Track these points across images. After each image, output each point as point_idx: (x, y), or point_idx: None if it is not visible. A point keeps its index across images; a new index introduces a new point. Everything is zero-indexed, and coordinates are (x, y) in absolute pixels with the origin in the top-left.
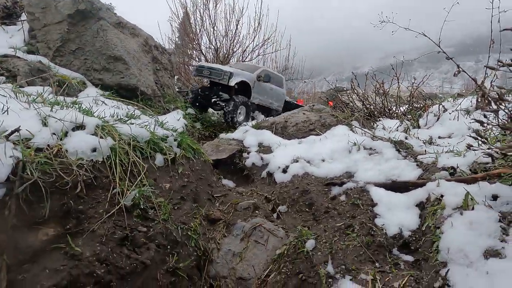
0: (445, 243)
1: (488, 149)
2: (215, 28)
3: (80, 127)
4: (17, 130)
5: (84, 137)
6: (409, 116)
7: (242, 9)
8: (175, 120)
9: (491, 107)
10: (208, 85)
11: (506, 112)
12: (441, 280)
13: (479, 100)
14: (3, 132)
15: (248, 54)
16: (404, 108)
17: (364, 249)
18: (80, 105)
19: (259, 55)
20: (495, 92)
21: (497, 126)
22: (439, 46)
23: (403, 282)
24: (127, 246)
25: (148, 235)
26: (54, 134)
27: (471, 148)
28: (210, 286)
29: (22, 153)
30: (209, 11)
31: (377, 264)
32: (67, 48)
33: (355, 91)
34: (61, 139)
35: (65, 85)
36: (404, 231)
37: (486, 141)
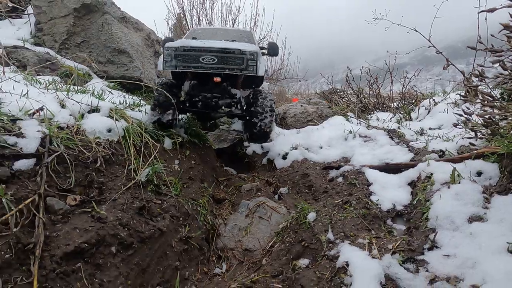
0: (434, 212)
1: (472, 127)
2: (212, 27)
3: (95, 110)
4: (41, 109)
5: (100, 119)
6: (401, 111)
7: (239, 9)
8: None
9: (477, 97)
10: (202, 79)
11: (487, 86)
12: (430, 242)
13: (467, 92)
14: (28, 111)
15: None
16: (396, 103)
17: (361, 220)
18: (93, 91)
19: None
20: (477, 71)
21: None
22: (429, 41)
23: (397, 245)
24: (144, 215)
25: (163, 207)
26: (71, 115)
27: (456, 126)
28: (218, 256)
29: (48, 129)
30: (205, 10)
31: (373, 232)
32: (72, 41)
33: (350, 85)
34: (78, 120)
35: (73, 76)
36: (397, 206)
37: (470, 118)
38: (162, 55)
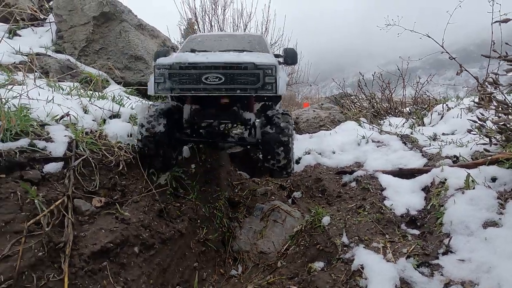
0: (448, 217)
1: (487, 133)
2: (224, 32)
3: (116, 115)
4: (67, 114)
5: (121, 124)
6: (414, 116)
7: (250, 14)
8: None
9: (492, 105)
10: (206, 103)
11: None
12: (445, 247)
13: (481, 98)
14: (55, 116)
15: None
16: (408, 108)
17: (375, 224)
18: (113, 97)
19: None
20: (491, 78)
21: (495, 112)
22: (442, 47)
23: (411, 249)
24: (164, 217)
25: (181, 210)
26: (94, 120)
27: (470, 132)
28: (234, 258)
29: (74, 133)
30: (217, 16)
31: (387, 236)
32: (91, 48)
33: (363, 91)
34: (100, 125)
35: (92, 82)
36: (411, 211)
37: (484, 124)
38: (152, 75)
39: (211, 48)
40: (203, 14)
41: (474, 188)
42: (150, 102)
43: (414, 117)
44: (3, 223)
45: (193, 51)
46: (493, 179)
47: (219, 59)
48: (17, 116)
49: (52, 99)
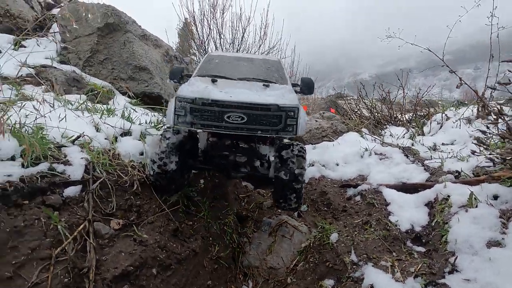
0: (452, 235)
1: (489, 154)
2: (222, 36)
3: (127, 133)
4: (81, 135)
5: (133, 142)
6: (413, 124)
7: (249, 18)
8: None
9: (491, 117)
10: (225, 137)
11: (505, 122)
12: (450, 266)
13: (479, 110)
14: (70, 137)
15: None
16: (408, 116)
17: (382, 241)
18: (123, 113)
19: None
20: (494, 103)
21: (497, 135)
22: (442, 60)
23: (418, 268)
24: (179, 237)
25: (194, 228)
26: (106, 139)
27: (474, 153)
28: (244, 274)
29: (90, 155)
30: (216, 20)
31: (394, 254)
32: (96, 58)
33: (364, 100)
34: (112, 143)
35: (99, 94)
36: (415, 227)
37: (487, 147)
38: (171, 104)
39: (230, 73)
40: (202, 17)
41: (477, 206)
42: (161, 134)
43: (414, 125)
44: (30, 250)
45: (214, 81)
46: (495, 197)
47: (242, 98)
48: (37, 140)
49: (65, 117)
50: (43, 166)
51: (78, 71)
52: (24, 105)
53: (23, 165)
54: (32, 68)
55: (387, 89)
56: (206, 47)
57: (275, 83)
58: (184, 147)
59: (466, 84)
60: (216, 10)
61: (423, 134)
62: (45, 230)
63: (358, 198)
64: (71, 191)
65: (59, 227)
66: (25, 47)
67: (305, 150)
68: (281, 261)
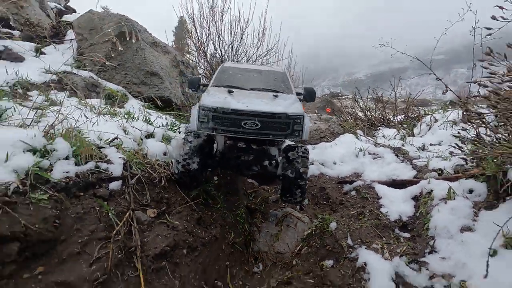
0: (433, 223)
1: (464, 155)
2: (221, 37)
3: (150, 135)
4: (116, 138)
5: (156, 143)
6: (405, 126)
7: (247, 21)
8: None
9: (469, 124)
10: (240, 141)
11: (475, 129)
12: (430, 248)
13: (463, 113)
14: (107, 139)
15: (252, 63)
16: (400, 117)
17: (374, 229)
18: (146, 118)
19: (262, 64)
20: (476, 106)
21: (468, 140)
22: (430, 69)
23: (403, 249)
24: (202, 224)
25: (213, 217)
26: (134, 141)
27: (451, 154)
28: (255, 258)
29: (126, 155)
30: (215, 22)
31: (384, 239)
32: (110, 64)
33: (358, 102)
34: (139, 144)
35: (116, 98)
36: (403, 217)
37: (461, 149)
38: (195, 111)
39: (243, 84)
40: (201, 20)
41: (454, 199)
42: (184, 137)
43: (405, 127)
44: (90, 232)
45: (230, 92)
46: (470, 191)
47: (256, 107)
48: (83, 142)
49: (97, 121)
50: (91, 165)
51: (95, 77)
52: (60, 110)
53: (76, 164)
54: (54, 74)
55: (380, 92)
56: (206, 48)
57: (282, 92)
58: (204, 149)
59: (451, 90)
60: (215, 13)
61: (413, 135)
62: (99, 216)
63: (353, 193)
64: (114, 185)
65: (110, 214)
66: (45, 54)
67: (308, 152)
68: (287, 246)
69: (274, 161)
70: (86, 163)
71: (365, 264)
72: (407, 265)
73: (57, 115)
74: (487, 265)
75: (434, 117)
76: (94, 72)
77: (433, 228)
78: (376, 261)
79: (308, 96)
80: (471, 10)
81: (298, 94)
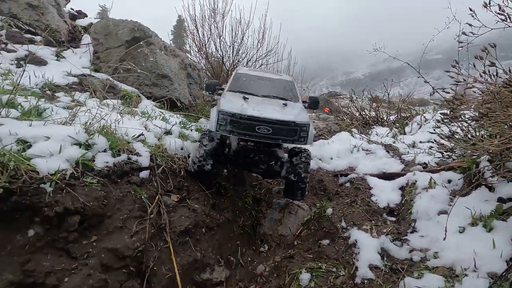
0: (415, 208)
1: (440, 149)
2: (222, 39)
3: (168, 132)
4: (141, 134)
5: (174, 140)
6: (397, 125)
7: (248, 23)
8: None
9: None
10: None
11: (447, 126)
12: (412, 228)
13: (450, 113)
14: (134, 135)
15: (252, 64)
16: (393, 117)
17: (365, 214)
18: (163, 117)
19: (262, 64)
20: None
21: (445, 137)
22: (418, 72)
23: (389, 230)
24: (216, 209)
25: (225, 204)
26: (155, 137)
27: (431, 148)
28: (261, 240)
29: (151, 149)
30: (216, 23)
31: (373, 222)
32: (123, 67)
33: (354, 102)
34: (159, 140)
35: (132, 98)
36: (390, 204)
37: (437, 144)
38: (214, 115)
39: (255, 91)
40: (203, 21)
41: (434, 188)
42: (199, 140)
43: (397, 126)
44: (128, 211)
45: (245, 98)
46: (449, 181)
47: (269, 115)
48: (116, 138)
49: (122, 120)
50: (124, 157)
51: (111, 79)
52: (88, 110)
53: (112, 155)
54: (75, 76)
55: (375, 93)
56: (207, 49)
57: (290, 100)
58: (217, 151)
59: (436, 91)
60: (216, 14)
61: (404, 133)
62: (134, 199)
63: (348, 184)
64: (143, 174)
65: (143, 197)
66: (64, 57)
67: (310, 157)
68: (289, 230)
69: (279, 162)
70: (120, 155)
71: (356, 241)
72: (391, 242)
73: (89, 114)
74: (445, 231)
75: (424, 117)
76: (109, 74)
77: (415, 212)
78: (365, 238)
79: (312, 104)
80: (456, 19)
81: (303, 102)
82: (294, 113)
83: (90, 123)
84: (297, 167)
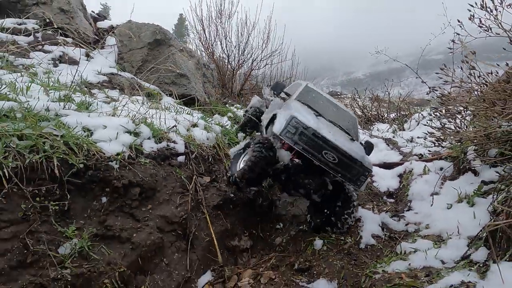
0: (411, 191)
1: (434, 140)
2: (228, 39)
3: (195, 125)
4: (175, 126)
5: (200, 131)
6: (397, 122)
7: (253, 24)
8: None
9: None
10: (310, 163)
11: (440, 121)
12: (408, 207)
13: (446, 111)
14: (168, 127)
15: (257, 64)
16: (394, 114)
17: (368, 196)
18: (188, 111)
19: (266, 64)
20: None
21: (437, 129)
22: (416, 73)
23: (388, 208)
24: (239, 190)
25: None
26: (184, 128)
27: (425, 139)
28: (276, 219)
29: (184, 139)
30: (222, 24)
31: (374, 202)
32: (145, 67)
33: (356, 101)
34: (187, 131)
35: (155, 96)
36: (390, 189)
37: (429, 135)
38: (283, 117)
39: (323, 112)
40: (209, 22)
41: (428, 174)
42: (255, 143)
43: (397, 123)
44: (172, 188)
45: (317, 115)
46: (441, 168)
47: (341, 145)
48: (155, 128)
49: (156, 114)
50: (164, 144)
51: (135, 77)
52: (125, 105)
53: (155, 142)
54: (104, 75)
55: (376, 92)
56: (213, 49)
57: (353, 138)
58: (270, 161)
59: (432, 90)
60: (222, 16)
61: (403, 130)
62: (176, 178)
63: None
64: (180, 158)
65: (182, 177)
66: (92, 58)
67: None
68: (301, 211)
69: (323, 191)
70: (161, 142)
71: (361, 217)
72: (390, 217)
73: (127, 108)
74: (432, 199)
75: (421, 115)
76: (132, 73)
77: (411, 194)
78: (368, 214)
79: (367, 149)
80: (451, 25)
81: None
82: (360, 154)
83: (134, 115)
84: (344, 215)
